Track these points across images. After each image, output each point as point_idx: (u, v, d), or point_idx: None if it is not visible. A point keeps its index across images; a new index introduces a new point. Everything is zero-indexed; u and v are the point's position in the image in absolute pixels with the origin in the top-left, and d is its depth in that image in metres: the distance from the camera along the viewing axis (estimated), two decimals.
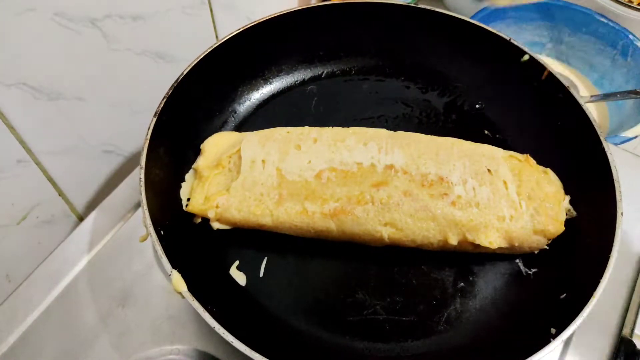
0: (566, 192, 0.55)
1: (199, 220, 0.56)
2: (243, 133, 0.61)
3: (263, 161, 0.56)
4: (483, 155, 0.56)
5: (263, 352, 0.42)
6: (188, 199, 0.57)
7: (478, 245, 0.52)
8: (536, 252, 0.54)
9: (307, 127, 0.60)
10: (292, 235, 0.55)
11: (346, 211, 0.52)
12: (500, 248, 0.52)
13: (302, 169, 0.55)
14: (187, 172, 0.59)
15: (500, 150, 0.58)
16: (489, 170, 0.55)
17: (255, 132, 0.60)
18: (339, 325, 0.52)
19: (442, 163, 0.55)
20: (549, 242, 0.53)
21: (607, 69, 0.79)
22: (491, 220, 0.52)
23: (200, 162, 0.58)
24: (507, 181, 0.54)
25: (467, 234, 0.52)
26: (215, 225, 0.55)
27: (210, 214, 0.54)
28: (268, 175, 0.55)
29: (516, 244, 0.52)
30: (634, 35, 0.76)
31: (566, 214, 0.54)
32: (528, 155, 0.57)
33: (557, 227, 0.52)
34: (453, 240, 0.52)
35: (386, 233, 0.53)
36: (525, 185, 0.54)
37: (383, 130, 0.59)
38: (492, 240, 0.51)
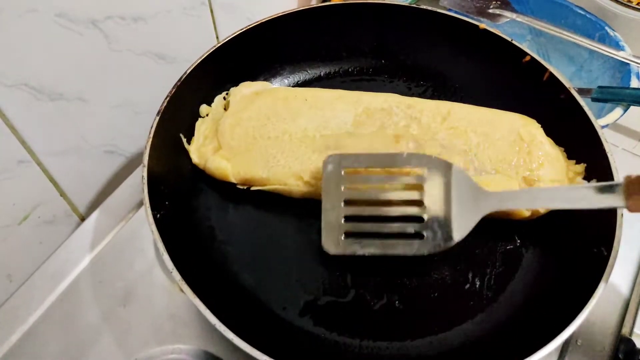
0: None
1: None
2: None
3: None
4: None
5: (263, 350, 0.42)
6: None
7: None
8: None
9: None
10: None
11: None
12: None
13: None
14: (188, 172, 0.59)
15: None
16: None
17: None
18: (339, 324, 0.52)
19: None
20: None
21: (585, 61, 0.80)
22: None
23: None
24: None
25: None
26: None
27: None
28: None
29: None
30: (609, 27, 0.77)
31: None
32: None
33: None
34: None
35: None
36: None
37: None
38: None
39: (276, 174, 0.57)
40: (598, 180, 0.54)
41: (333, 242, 0.51)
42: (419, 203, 0.50)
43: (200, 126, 0.61)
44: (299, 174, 0.56)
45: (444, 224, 0.50)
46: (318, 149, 0.57)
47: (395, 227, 0.51)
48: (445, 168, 0.50)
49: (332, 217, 0.51)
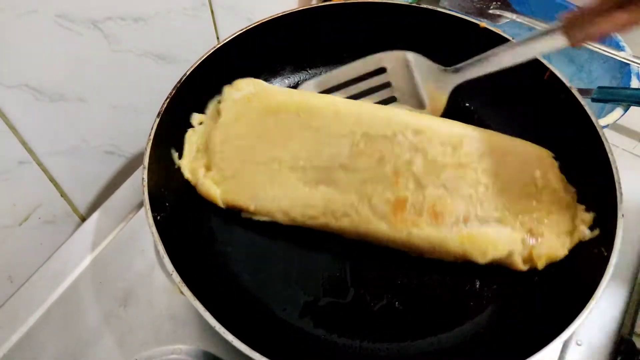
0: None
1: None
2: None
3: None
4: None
5: (263, 352, 0.42)
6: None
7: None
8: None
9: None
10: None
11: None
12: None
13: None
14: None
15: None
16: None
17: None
18: (339, 325, 0.52)
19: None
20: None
21: (585, 61, 0.80)
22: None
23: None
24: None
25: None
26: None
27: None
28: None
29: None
30: None
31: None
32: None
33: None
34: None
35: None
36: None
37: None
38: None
39: (264, 207, 0.54)
40: (599, 190, 0.53)
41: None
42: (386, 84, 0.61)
43: (191, 137, 0.58)
44: (287, 211, 0.54)
45: (414, 93, 0.59)
46: (309, 182, 0.54)
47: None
48: (402, 58, 0.60)
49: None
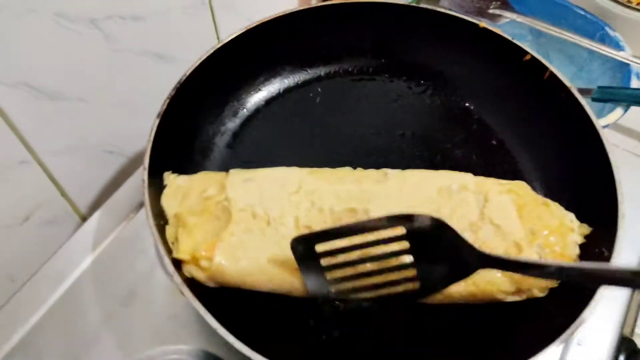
0: (566, 193, 0.56)
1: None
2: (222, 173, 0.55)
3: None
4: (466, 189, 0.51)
5: (264, 354, 0.42)
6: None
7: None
8: (544, 294, 0.49)
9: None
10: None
11: None
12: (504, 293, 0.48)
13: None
14: (189, 173, 0.59)
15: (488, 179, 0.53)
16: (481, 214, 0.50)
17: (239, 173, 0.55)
18: (342, 326, 0.52)
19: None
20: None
21: (585, 61, 0.80)
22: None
23: (182, 208, 0.51)
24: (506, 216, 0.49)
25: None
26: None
27: (203, 264, 0.48)
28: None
29: (524, 287, 0.48)
30: (609, 27, 0.77)
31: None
32: (524, 183, 0.53)
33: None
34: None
35: None
36: (526, 219, 0.50)
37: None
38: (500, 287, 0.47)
39: None
40: (599, 190, 0.52)
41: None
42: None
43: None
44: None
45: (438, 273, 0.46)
46: None
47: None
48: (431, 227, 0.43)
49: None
